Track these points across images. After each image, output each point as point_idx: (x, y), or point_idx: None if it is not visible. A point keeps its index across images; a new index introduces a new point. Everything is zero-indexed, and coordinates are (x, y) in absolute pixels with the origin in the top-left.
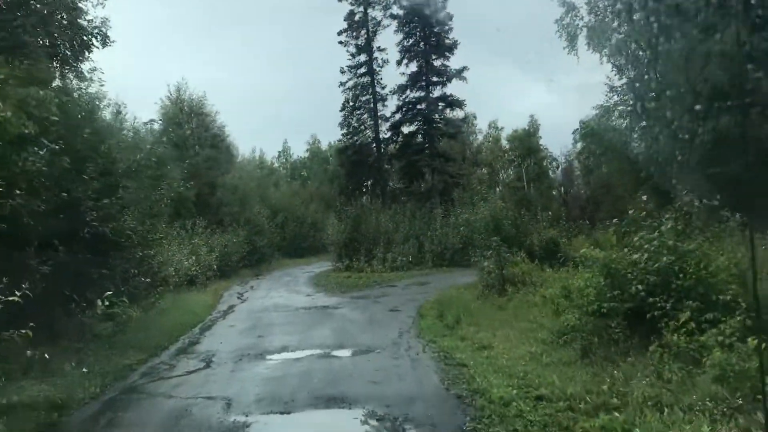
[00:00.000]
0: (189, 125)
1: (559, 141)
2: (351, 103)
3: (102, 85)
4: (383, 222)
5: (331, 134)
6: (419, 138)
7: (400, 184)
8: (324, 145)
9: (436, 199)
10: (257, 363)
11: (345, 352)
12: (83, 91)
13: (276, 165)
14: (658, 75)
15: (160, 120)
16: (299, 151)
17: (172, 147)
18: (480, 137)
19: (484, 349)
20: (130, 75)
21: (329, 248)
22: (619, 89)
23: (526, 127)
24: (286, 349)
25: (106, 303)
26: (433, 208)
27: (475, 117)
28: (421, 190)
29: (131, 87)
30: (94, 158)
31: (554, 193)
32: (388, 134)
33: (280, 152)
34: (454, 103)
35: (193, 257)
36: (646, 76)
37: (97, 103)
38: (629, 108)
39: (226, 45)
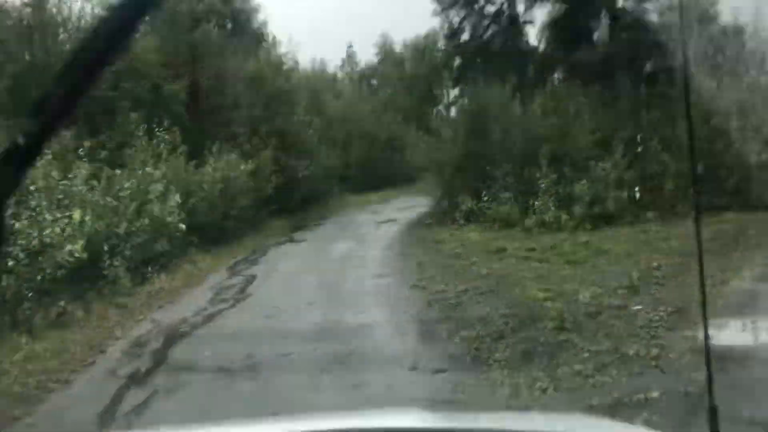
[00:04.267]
0: None
1: None
2: None
3: None
4: (537, 119)
5: (406, 30)
6: None
7: (549, 48)
8: (398, 45)
9: (622, 75)
10: None
11: None
12: None
13: (340, 75)
14: None
15: None
16: (368, 55)
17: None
18: None
19: None
20: None
21: (424, 176)
22: None
23: None
24: None
25: None
26: (618, 89)
27: None
28: (591, 60)
29: None
30: None
31: None
32: None
33: (344, 59)
34: None
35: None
36: None
37: None
38: None
39: None
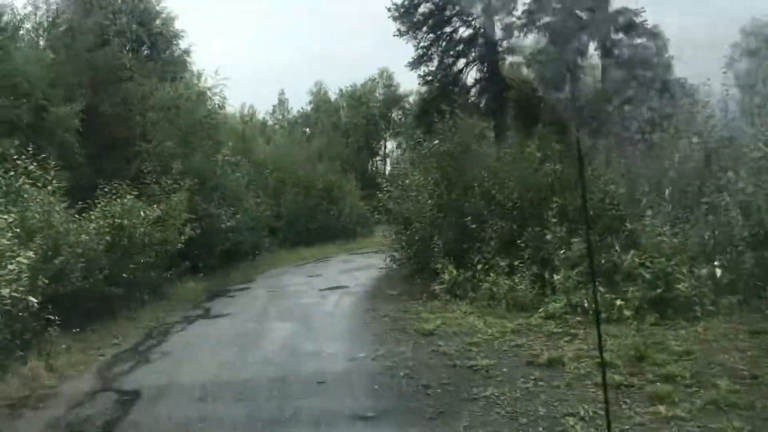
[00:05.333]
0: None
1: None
2: None
3: None
4: (531, 164)
5: (341, 79)
6: None
7: (534, 84)
8: (333, 94)
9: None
10: None
11: None
12: None
13: (270, 122)
14: None
15: None
16: (300, 103)
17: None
18: None
19: None
20: None
21: (376, 230)
22: None
23: None
24: None
25: None
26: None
27: None
28: (579, 102)
29: None
30: None
31: None
32: None
33: (275, 106)
34: None
35: None
36: None
37: None
38: None
39: None
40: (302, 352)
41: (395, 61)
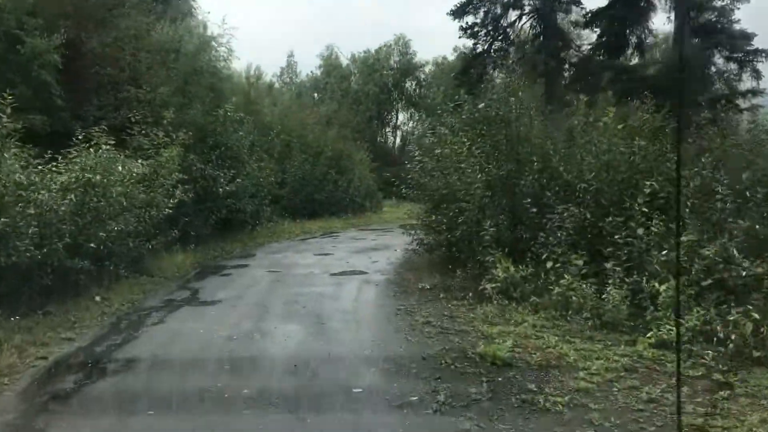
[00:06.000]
0: None
1: None
2: None
3: None
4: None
5: (353, 43)
6: None
7: (590, 50)
8: (344, 59)
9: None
10: None
11: None
12: None
13: (277, 85)
14: None
15: None
16: (310, 67)
17: None
18: None
19: None
20: None
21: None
22: None
23: None
24: None
25: None
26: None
27: None
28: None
29: None
30: None
31: None
32: None
33: (282, 68)
34: None
35: None
36: None
37: None
38: None
39: None
40: (322, 382)
41: (412, 29)
